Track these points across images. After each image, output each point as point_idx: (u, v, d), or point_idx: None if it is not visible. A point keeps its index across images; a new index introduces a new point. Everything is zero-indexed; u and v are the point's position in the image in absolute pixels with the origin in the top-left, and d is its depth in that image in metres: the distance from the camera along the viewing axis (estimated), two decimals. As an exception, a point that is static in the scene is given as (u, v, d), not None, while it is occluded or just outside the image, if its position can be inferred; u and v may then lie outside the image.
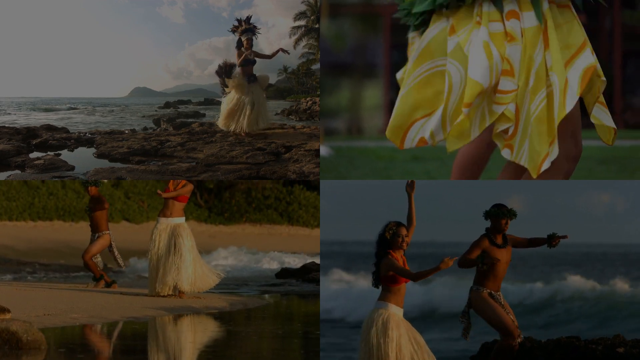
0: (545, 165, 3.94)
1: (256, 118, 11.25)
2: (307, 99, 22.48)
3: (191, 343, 6.11)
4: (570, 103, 3.88)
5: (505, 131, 3.97)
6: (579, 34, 3.99)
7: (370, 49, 27.03)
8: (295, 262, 13.54)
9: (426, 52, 4.13)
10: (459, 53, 3.97)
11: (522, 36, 3.93)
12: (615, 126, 4.12)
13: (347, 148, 17.37)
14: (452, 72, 3.99)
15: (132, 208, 18.07)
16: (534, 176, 4.03)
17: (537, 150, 3.94)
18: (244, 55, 11.03)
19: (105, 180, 9.19)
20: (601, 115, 4.12)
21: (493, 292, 5.16)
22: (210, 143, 11.31)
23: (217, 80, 11.48)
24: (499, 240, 5.20)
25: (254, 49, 11.42)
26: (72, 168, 9.98)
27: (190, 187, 8.16)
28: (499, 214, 5.19)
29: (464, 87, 3.95)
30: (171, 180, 8.24)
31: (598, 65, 4.00)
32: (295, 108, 21.29)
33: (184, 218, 8.26)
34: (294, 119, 19.61)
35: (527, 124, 3.95)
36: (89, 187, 9.03)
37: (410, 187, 4.84)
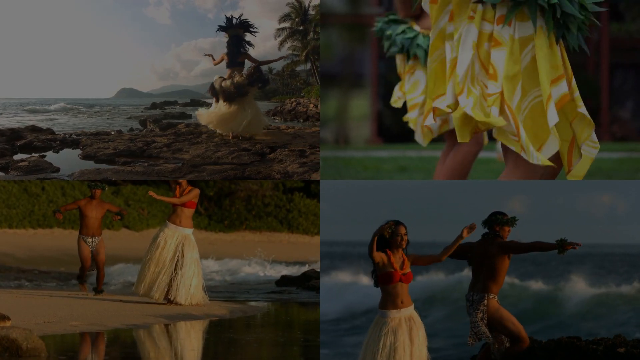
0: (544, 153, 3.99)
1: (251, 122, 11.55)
2: (292, 99, 22.69)
3: (192, 351, 6.11)
4: (552, 118, 3.93)
5: (512, 133, 3.99)
6: (560, 60, 4.04)
7: (358, 59, 27.06)
8: (295, 269, 13.53)
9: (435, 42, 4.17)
10: (454, 40, 4.02)
11: (510, 42, 3.94)
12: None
13: (333, 158, 17.43)
14: (446, 51, 4.05)
15: (132, 215, 18.06)
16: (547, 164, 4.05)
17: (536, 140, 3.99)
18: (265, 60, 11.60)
19: (106, 187, 9.14)
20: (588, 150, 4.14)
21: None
22: (196, 144, 11.38)
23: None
24: None
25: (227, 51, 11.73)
26: (57, 170, 9.94)
27: (195, 192, 8.05)
28: (506, 222, 5.17)
29: (452, 81, 3.99)
30: (177, 186, 8.11)
31: (576, 95, 4.03)
32: (280, 109, 21.50)
33: (192, 229, 8.16)
34: (278, 120, 19.77)
35: (526, 124, 3.97)
36: (96, 190, 8.86)
37: (470, 229, 4.81)
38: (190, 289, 7.99)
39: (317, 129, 15.27)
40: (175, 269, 7.98)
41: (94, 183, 8.90)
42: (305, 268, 13.37)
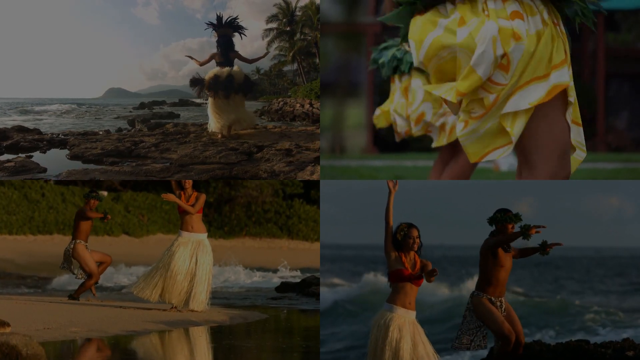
0: (489, 157, 3.95)
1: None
2: (279, 99, 22.85)
3: (192, 357, 6.10)
4: (514, 105, 3.86)
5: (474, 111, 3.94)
6: (562, 51, 4.02)
7: (354, 67, 27.07)
8: (295, 275, 13.54)
9: (427, 55, 4.07)
10: (470, 42, 3.93)
11: (527, 38, 3.93)
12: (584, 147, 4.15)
13: (329, 167, 17.45)
14: (462, 60, 3.95)
15: (132, 222, 18.07)
16: (472, 161, 4.02)
17: (488, 142, 3.93)
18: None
19: (106, 193, 9.10)
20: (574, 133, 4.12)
21: (493, 298, 5.18)
22: (184, 144, 11.41)
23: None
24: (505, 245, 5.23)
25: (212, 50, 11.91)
26: (44, 170, 9.91)
27: (203, 197, 8.07)
28: (506, 219, 5.20)
29: (465, 74, 3.91)
30: (182, 192, 8.06)
31: (571, 85, 3.99)
32: (268, 108, 21.65)
33: (206, 234, 8.16)
34: (265, 119, 19.89)
35: (493, 116, 3.93)
36: (93, 200, 8.73)
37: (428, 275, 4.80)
38: (202, 295, 7.98)
39: (304, 128, 15.35)
40: (190, 277, 7.97)
41: (95, 193, 8.80)
42: (276, 274, 13.46)
